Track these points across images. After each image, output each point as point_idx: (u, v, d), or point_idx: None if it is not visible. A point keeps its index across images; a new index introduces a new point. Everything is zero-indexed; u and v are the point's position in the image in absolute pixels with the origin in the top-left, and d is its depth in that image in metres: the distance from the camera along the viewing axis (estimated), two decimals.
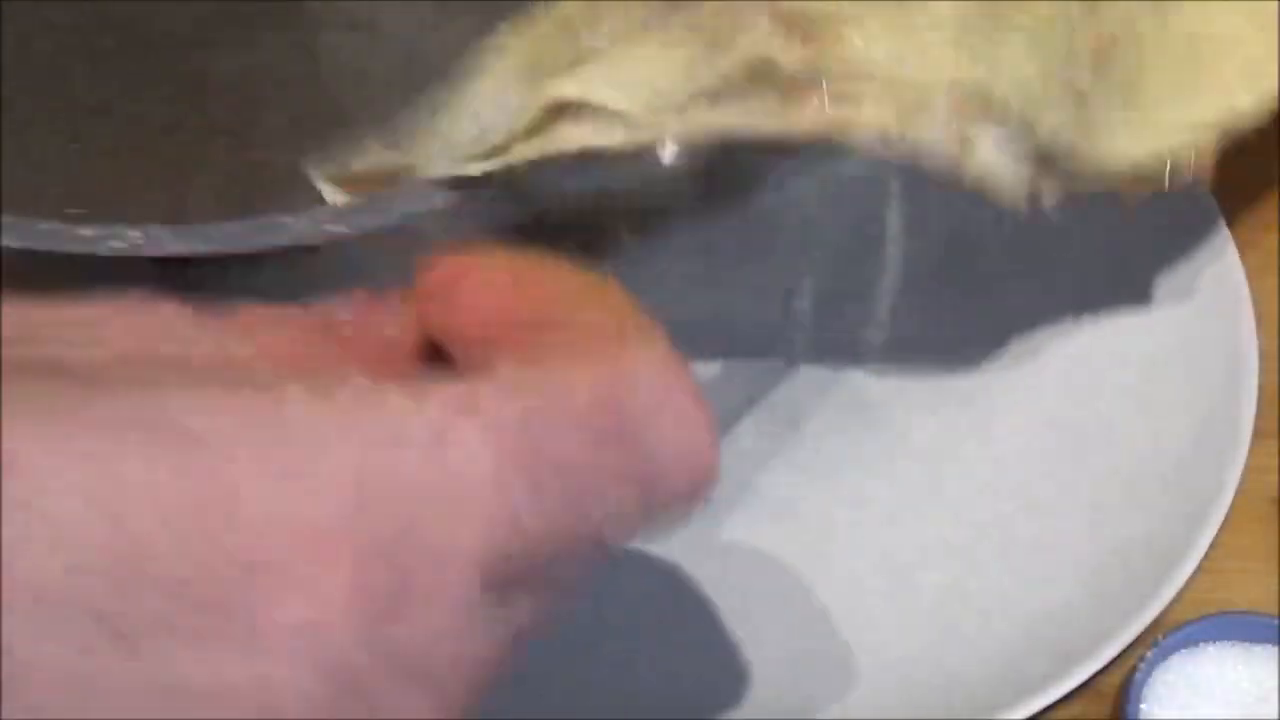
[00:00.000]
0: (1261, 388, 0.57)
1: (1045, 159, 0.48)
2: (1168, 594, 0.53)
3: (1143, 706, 0.51)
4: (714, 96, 0.44)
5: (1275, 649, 0.52)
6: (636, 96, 0.43)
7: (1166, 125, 0.51)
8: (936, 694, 0.53)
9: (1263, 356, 0.58)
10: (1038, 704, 0.51)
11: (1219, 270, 0.60)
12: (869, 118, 0.44)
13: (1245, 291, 0.59)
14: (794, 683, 0.54)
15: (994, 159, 0.47)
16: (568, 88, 0.43)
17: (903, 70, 0.45)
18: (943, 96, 0.45)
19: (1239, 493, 0.55)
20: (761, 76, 0.44)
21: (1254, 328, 0.58)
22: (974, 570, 0.56)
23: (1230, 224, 0.60)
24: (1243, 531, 0.56)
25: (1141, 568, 0.54)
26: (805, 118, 0.44)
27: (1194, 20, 0.54)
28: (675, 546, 0.56)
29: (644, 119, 0.44)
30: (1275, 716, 0.51)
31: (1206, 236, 0.60)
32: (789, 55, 0.44)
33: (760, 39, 0.44)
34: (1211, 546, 0.54)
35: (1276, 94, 0.53)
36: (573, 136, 0.43)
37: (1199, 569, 0.54)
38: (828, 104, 0.44)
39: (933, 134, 0.45)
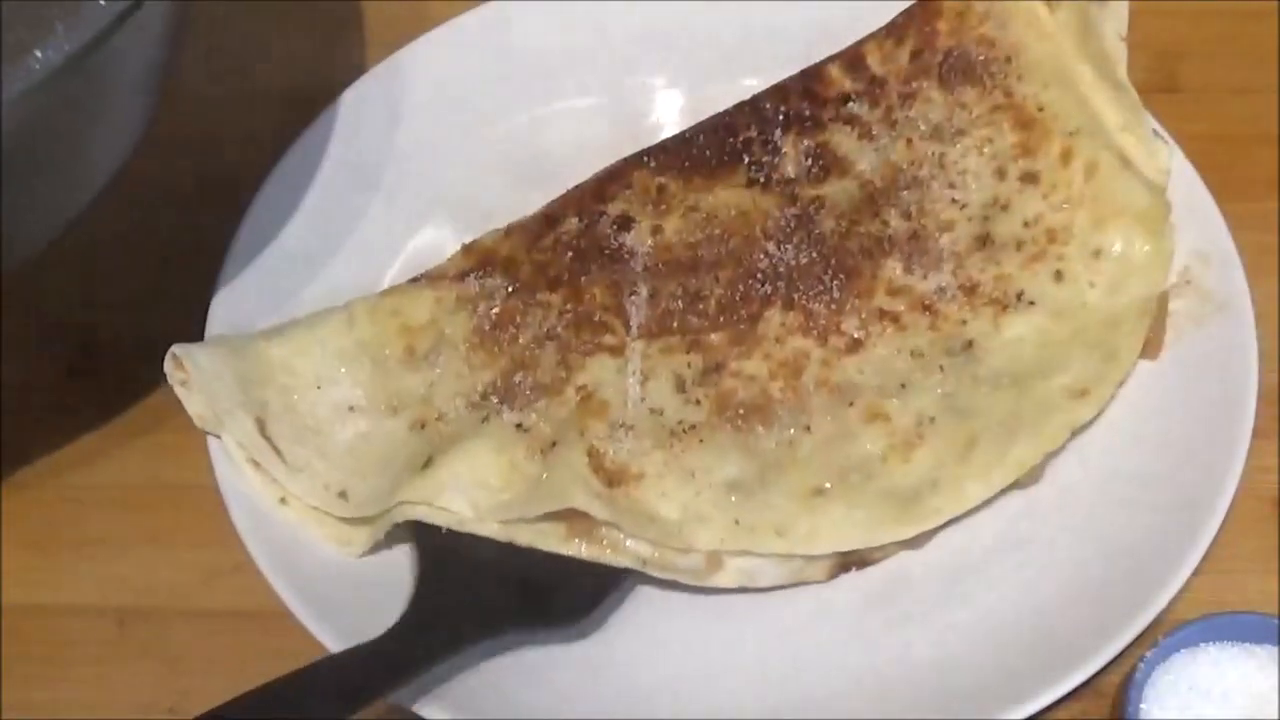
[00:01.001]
0: (1261, 388, 0.57)
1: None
2: (1168, 594, 0.53)
3: (1143, 706, 0.51)
4: (523, 515, 0.55)
5: (1275, 649, 0.52)
6: (469, 501, 0.55)
7: (1013, 462, 0.57)
8: (937, 694, 0.53)
9: (1263, 356, 0.58)
10: (1038, 704, 0.51)
11: (1219, 270, 0.60)
12: (636, 550, 0.55)
13: (1245, 291, 0.59)
14: (796, 682, 0.54)
15: (748, 570, 0.56)
16: (420, 492, 0.55)
17: (679, 526, 0.55)
18: (704, 546, 0.55)
19: (1239, 493, 0.55)
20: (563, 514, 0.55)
21: (1254, 328, 0.58)
22: (974, 570, 0.56)
23: (1230, 224, 0.60)
24: (1243, 532, 0.56)
25: (1141, 568, 0.54)
26: (584, 547, 0.55)
27: (1002, 361, 0.59)
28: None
29: (472, 519, 0.55)
30: (1275, 717, 0.51)
31: (1207, 236, 0.61)
32: (595, 508, 0.54)
33: (575, 486, 0.54)
34: (1211, 546, 0.54)
35: (1112, 394, 0.58)
36: (415, 512, 0.55)
37: (1199, 569, 0.54)
38: (604, 539, 0.55)
39: (689, 564, 0.55)
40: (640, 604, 0.56)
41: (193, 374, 0.57)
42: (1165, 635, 0.52)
